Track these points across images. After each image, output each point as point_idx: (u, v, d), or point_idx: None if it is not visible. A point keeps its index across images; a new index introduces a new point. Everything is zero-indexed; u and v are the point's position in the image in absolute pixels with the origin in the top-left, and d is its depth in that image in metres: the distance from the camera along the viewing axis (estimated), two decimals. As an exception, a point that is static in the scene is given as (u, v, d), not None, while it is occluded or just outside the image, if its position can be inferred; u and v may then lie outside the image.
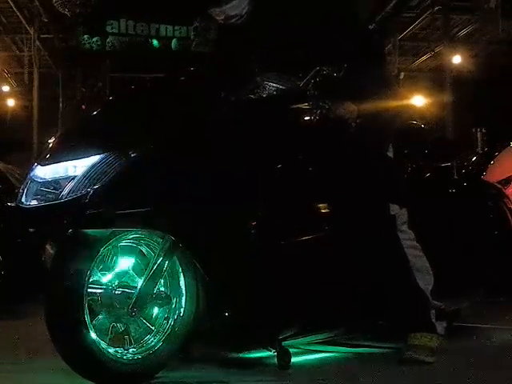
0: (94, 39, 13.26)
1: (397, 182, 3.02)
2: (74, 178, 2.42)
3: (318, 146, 2.81)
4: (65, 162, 2.47)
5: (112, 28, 13.33)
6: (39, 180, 2.50)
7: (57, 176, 2.46)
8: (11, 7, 13.14)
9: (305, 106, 2.75)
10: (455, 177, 3.85)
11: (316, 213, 2.83)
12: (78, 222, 2.44)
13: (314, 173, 2.81)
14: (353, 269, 2.81)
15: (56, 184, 2.45)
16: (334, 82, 2.68)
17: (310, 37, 2.82)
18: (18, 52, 16.00)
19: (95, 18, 13.08)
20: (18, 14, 13.39)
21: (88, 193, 2.39)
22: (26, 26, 13.91)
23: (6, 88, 16.62)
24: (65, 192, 2.41)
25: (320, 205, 2.83)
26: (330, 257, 2.78)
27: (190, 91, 2.80)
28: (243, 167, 2.63)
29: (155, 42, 13.35)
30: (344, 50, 2.76)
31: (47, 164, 2.52)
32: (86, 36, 13.25)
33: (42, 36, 14.26)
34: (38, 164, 2.56)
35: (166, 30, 13.37)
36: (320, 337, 2.96)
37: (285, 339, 2.73)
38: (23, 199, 2.51)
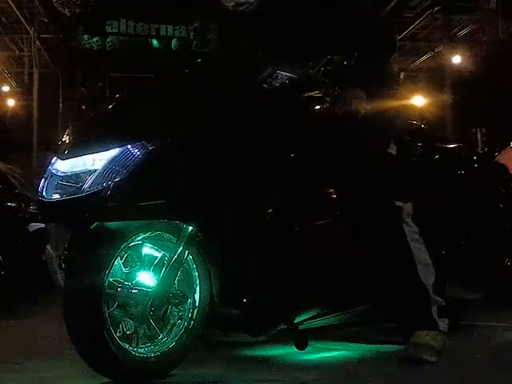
0: (94, 39, 13.25)
1: (399, 181, 3.03)
2: (94, 171, 2.46)
3: (329, 134, 2.85)
4: (85, 156, 2.51)
5: (112, 28, 13.33)
6: (60, 174, 2.54)
7: (77, 170, 2.50)
8: (11, 7, 13.16)
9: (316, 93, 2.79)
10: (464, 158, 3.85)
11: (329, 200, 2.89)
12: (101, 215, 2.47)
13: (326, 161, 2.86)
14: (362, 256, 2.87)
15: (77, 178, 2.49)
16: (344, 70, 2.72)
17: (321, 24, 2.85)
18: (18, 52, 16.02)
19: (95, 18, 13.08)
20: (18, 14, 13.42)
21: (109, 185, 2.43)
22: (26, 26, 13.93)
23: (6, 88, 16.61)
24: (86, 185, 2.45)
25: (332, 192, 2.90)
26: (341, 244, 2.86)
27: (205, 83, 2.82)
28: (258, 156, 2.67)
29: (155, 42, 13.35)
30: (356, 38, 2.80)
31: (67, 158, 2.56)
32: (86, 36, 13.24)
33: (42, 36, 14.27)
34: (57, 158, 2.60)
35: (166, 30, 13.37)
36: (333, 320, 3.00)
37: (301, 323, 2.82)
38: (44, 193, 2.55)
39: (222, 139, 2.62)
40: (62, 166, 2.55)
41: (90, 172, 2.46)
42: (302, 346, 2.85)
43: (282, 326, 2.80)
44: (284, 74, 2.80)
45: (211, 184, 2.56)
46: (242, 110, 2.71)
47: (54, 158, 2.61)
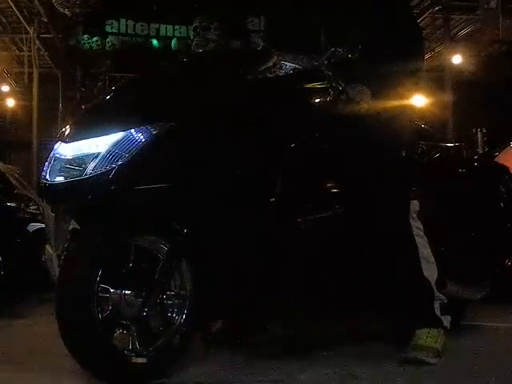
0: (94, 39, 13.24)
1: (406, 180, 3.04)
2: (98, 154, 2.49)
3: (333, 125, 2.87)
4: (88, 140, 2.54)
5: (112, 28, 13.32)
6: (63, 157, 2.57)
7: (81, 153, 2.54)
8: (11, 7, 13.13)
9: (319, 85, 2.81)
10: (465, 158, 3.86)
11: (331, 192, 2.92)
12: (103, 198, 2.49)
13: (329, 152, 2.88)
14: (364, 249, 2.88)
15: (80, 161, 2.53)
16: (349, 64, 2.74)
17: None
18: (18, 52, 15.99)
19: (95, 18, 13.07)
20: (18, 14, 13.38)
21: (112, 169, 2.46)
22: (26, 26, 13.89)
23: (5, 88, 16.59)
24: (89, 168, 2.48)
25: (335, 185, 2.93)
26: (344, 239, 2.87)
27: (209, 70, 2.85)
28: (260, 145, 2.69)
29: (155, 42, 13.34)
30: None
31: (71, 141, 2.59)
32: (85, 36, 13.23)
33: (42, 36, 14.24)
34: (61, 142, 2.63)
35: (166, 30, 13.36)
36: (333, 313, 3.02)
37: (302, 318, 2.88)
38: (47, 176, 2.59)
39: (226, 126, 2.64)
40: (65, 149, 2.59)
41: (94, 155, 2.49)
42: (301, 337, 2.89)
43: (282, 317, 2.84)
44: (288, 65, 2.82)
45: (214, 170, 2.58)
46: (245, 98, 2.73)
47: (58, 143, 2.64)
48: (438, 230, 3.23)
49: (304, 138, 2.84)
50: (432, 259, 3.00)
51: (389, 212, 2.90)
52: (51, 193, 2.62)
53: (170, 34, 13.35)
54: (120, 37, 13.32)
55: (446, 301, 3.02)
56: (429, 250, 3.00)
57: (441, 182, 3.49)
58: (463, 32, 14.96)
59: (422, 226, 3.02)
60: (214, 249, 2.64)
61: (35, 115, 14.25)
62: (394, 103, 2.91)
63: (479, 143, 9.37)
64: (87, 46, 13.26)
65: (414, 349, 2.85)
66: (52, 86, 14.78)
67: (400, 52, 2.83)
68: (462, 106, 13.15)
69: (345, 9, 2.97)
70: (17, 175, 7.08)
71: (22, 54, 15.46)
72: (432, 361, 2.81)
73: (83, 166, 2.50)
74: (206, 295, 2.65)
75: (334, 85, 2.79)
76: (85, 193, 2.50)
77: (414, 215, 3.01)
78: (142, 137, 2.51)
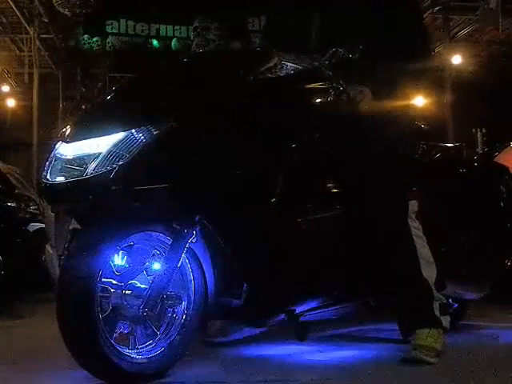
0: (94, 39, 13.24)
1: (406, 180, 3.04)
2: (99, 154, 2.49)
3: (333, 126, 2.87)
4: (89, 140, 2.54)
5: (112, 28, 13.32)
6: (64, 157, 2.57)
7: (82, 153, 2.53)
8: (11, 7, 13.12)
9: (320, 85, 2.82)
10: (464, 158, 3.87)
11: (331, 192, 2.93)
12: (104, 198, 2.48)
13: (330, 153, 2.89)
14: (365, 249, 2.89)
15: (81, 161, 2.52)
16: (350, 64, 2.74)
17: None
18: (18, 52, 15.98)
19: (95, 18, 13.07)
20: (18, 14, 13.36)
21: (113, 169, 2.45)
22: (26, 26, 13.88)
23: (5, 88, 16.57)
24: (90, 168, 2.48)
25: (336, 184, 2.94)
26: (343, 237, 2.88)
27: (210, 70, 2.85)
28: (261, 145, 2.69)
29: (155, 42, 13.34)
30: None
31: (72, 141, 2.59)
32: (85, 36, 13.23)
33: (42, 36, 14.23)
34: (62, 141, 2.63)
35: (166, 30, 13.36)
36: (334, 312, 3.06)
37: (302, 314, 2.88)
38: (48, 176, 2.58)
39: (227, 127, 2.64)
40: (66, 149, 2.58)
41: (95, 155, 2.49)
42: (301, 337, 2.92)
43: (283, 317, 2.84)
44: (289, 65, 2.83)
45: (214, 171, 2.58)
46: (246, 98, 2.73)
47: (59, 142, 2.64)
48: (438, 230, 3.24)
49: (305, 139, 2.85)
50: (431, 259, 3.00)
51: (388, 212, 2.91)
52: (51, 193, 2.62)
53: (170, 34, 13.34)
54: (120, 37, 13.31)
55: (445, 301, 3.02)
56: (428, 251, 3.01)
57: (441, 181, 3.49)
58: (463, 32, 14.94)
59: (420, 227, 3.02)
60: (214, 249, 2.64)
61: (35, 115, 14.23)
62: (395, 103, 2.91)
63: (479, 143, 9.37)
64: (87, 46, 13.26)
65: (413, 348, 2.85)
66: (52, 85, 14.77)
67: (401, 52, 2.83)
68: (462, 106, 13.15)
69: (345, 9, 2.98)
70: (17, 175, 7.08)
71: (23, 54, 15.45)
72: (432, 360, 2.81)
73: (84, 166, 2.50)
74: (205, 295, 2.65)
75: (335, 85, 2.79)
76: (85, 193, 2.50)
77: (413, 215, 3.01)
78: (142, 137, 2.50)
